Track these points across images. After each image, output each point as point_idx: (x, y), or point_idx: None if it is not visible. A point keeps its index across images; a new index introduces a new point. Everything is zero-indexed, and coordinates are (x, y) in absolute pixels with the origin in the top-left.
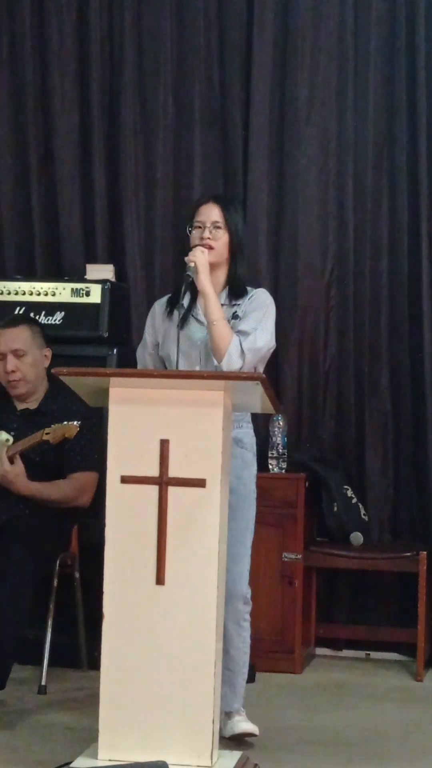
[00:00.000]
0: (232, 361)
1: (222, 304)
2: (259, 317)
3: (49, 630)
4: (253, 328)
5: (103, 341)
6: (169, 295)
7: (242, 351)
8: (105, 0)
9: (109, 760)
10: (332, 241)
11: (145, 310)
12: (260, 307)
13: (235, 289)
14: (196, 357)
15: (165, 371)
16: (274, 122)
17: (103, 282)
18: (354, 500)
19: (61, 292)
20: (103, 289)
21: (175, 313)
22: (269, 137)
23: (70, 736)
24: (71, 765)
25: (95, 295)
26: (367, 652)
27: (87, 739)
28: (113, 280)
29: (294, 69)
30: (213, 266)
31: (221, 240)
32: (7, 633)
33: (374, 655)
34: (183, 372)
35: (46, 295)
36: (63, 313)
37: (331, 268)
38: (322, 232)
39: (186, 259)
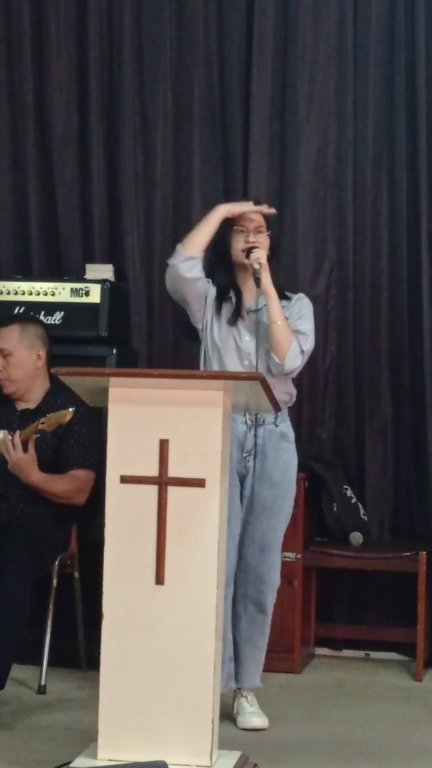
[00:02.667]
0: (294, 360)
1: (263, 305)
2: (311, 319)
3: (49, 630)
4: (309, 329)
5: (102, 341)
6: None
7: (301, 351)
8: (104, 0)
9: (109, 760)
10: (332, 241)
11: (145, 310)
12: (308, 312)
13: (277, 293)
14: (246, 351)
15: (164, 371)
16: (274, 122)
17: (102, 282)
18: (353, 500)
19: (60, 292)
20: (102, 289)
21: (224, 308)
22: (269, 137)
23: (70, 736)
24: (71, 765)
25: (95, 295)
26: (367, 652)
27: (87, 739)
28: (113, 280)
29: (294, 69)
30: None
31: (264, 243)
32: (6, 633)
33: (374, 655)
34: (182, 372)
35: (46, 295)
36: (62, 313)
37: (331, 269)
38: (321, 232)
39: (250, 259)
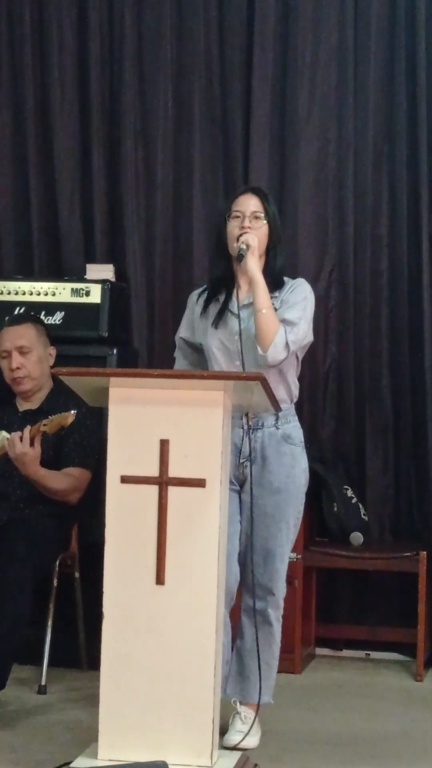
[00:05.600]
0: (277, 352)
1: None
2: (304, 307)
3: (49, 630)
4: (299, 318)
5: (103, 341)
6: (204, 287)
7: (287, 343)
8: (105, 0)
9: (109, 760)
10: (332, 242)
11: (145, 310)
12: (302, 299)
13: (273, 281)
14: (235, 350)
15: (165, 371)
16: (274, 122)
17: (103, 282)
18: (354, 500)
19: (61, 292)
20: (103, 289)
21: (211, 308)
22: (269, 137)
23: (70, 736)
24: (71, 765)
25: (95, 295)
26: (367, 652)
27: (87, 739)
28: (113, 280)
29: (294, 69)
30: None
31: (261, 230)
32: (6, 633)
33: (374, 655)
34: (183, 372)
35: (46, 295)
36: (63, 313)
37: (331, 269)
38: (321, 233)
39: (239, 241)
